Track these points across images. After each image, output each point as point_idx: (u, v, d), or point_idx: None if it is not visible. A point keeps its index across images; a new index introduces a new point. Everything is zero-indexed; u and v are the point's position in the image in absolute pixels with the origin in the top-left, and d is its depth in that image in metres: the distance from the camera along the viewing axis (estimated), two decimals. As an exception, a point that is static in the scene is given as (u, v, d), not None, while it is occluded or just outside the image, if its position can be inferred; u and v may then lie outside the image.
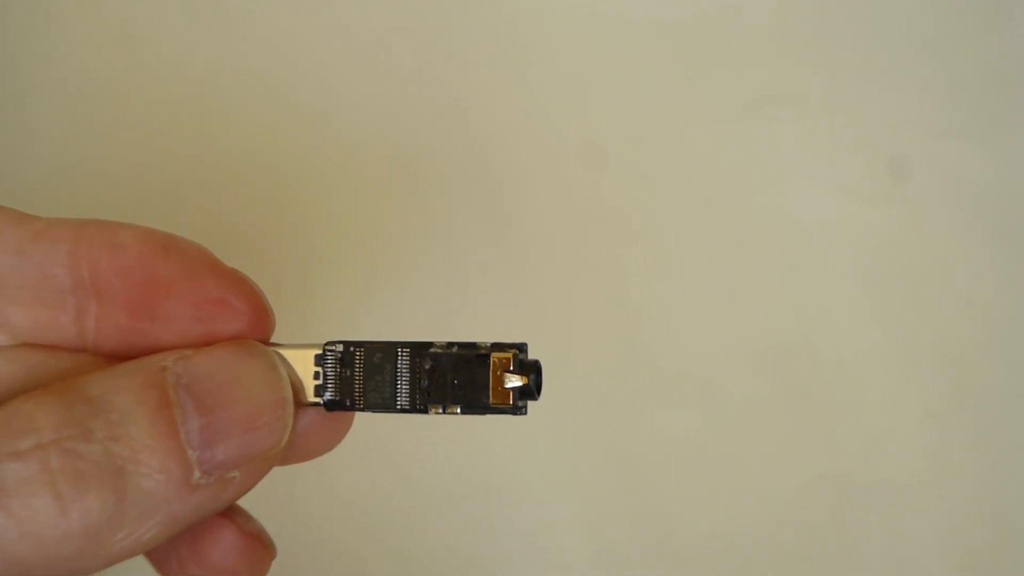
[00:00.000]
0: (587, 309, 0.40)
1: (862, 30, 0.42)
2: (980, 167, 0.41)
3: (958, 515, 0.38)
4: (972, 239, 0.40)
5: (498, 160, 0.41)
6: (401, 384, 0.20)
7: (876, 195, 0.41)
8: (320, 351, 0.20)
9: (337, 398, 0.20)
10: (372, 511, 0.39)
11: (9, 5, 0.42)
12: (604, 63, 0.42)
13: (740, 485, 0.39)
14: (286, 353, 0.20)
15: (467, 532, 0.39)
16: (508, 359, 0.20)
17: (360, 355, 0.20)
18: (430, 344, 0.20)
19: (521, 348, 0.20)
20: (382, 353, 0.20)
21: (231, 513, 0.21)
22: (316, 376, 0.20)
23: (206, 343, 0.20)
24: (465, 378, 0.20)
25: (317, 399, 0.20)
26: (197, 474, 0.18)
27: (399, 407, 0.20)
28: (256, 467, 0.19)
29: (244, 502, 0.20)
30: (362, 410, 0.20)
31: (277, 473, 0.20)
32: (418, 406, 0.20)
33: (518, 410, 0.20)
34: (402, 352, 0.20)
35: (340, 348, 0.20)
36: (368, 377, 0.20)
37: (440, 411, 0.20)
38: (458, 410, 0.20)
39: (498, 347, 0.20)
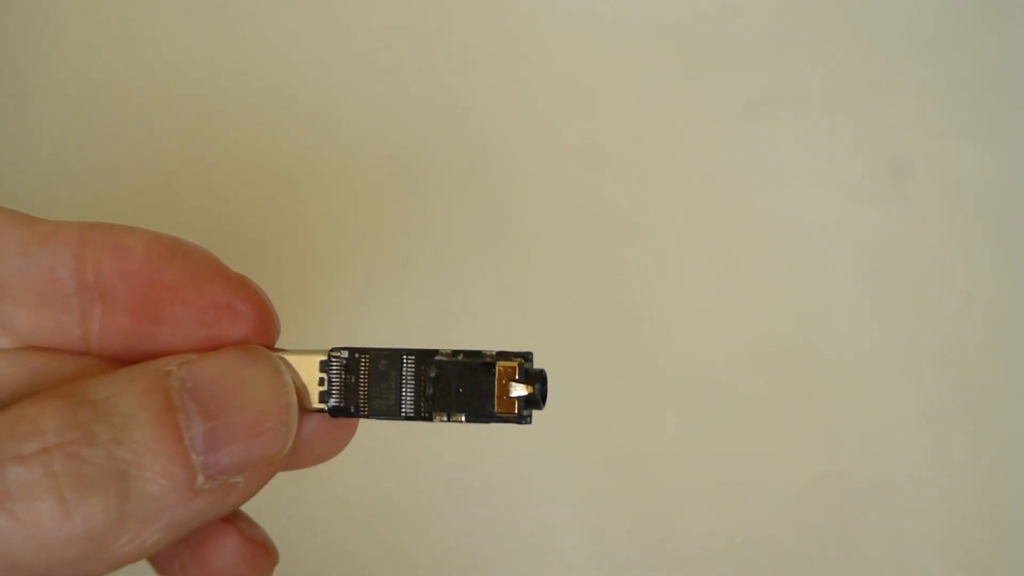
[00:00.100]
0: (586, 309, 0.40)
1: (862, 30, 0.42)
2: (980, 167, 0.41)
3: (958, 515, 0.38)
4: (972, 239, 0.40)
5: (498, 160, 0.41)
6: (406, 391, 0.20)
7: (876, 195, 0.41)
8: (325, 357, 0.20)
9: (342, 404, 0.20)
10: (373, 512, 0.39)
11: (9, 5, 0.42)
12: (604, 63, 0.42)
13: (740, 485, 0.39)
14: (291, 358, 0.20)
15: (468, 533, 0.39)
16: (513, 368, 0.19)
17: (365, 362, 0.20)
18: (435, 352, 0.20)
19: (527, 357, 0.20)
20: (387, 360, 0.20)
21: (234, 519, 0.21)
22: (321, 382, 0.20)
23: (211, 348, 0.20)
24: (470, 386, 0.20)
25: (321, 405, 0.20)
26: (201, 479, 0.18)
27: (404, 414, 0.20)
28: (260, 472, 0.19)
29: (247, 505, 0.20)
30: (366, 417, 0.20)
31: (280, 476, 0.20)
32: (423, 414, 0.20)
33: (523, 419, 0.20)
34: (407, 359, 0.20)
35: (345, 354, 0.20)
36: (373, 384, 0.20)
37: (445, 419, 0.20)
38: (463, 418, 0.20)
39: (504, 355, 0.20)
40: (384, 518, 0.39)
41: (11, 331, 0.20)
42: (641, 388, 0.40)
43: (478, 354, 0.20)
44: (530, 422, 0.20)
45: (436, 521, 0.39)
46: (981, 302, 0.40)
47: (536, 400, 0.20)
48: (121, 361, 0.20)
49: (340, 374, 0.20)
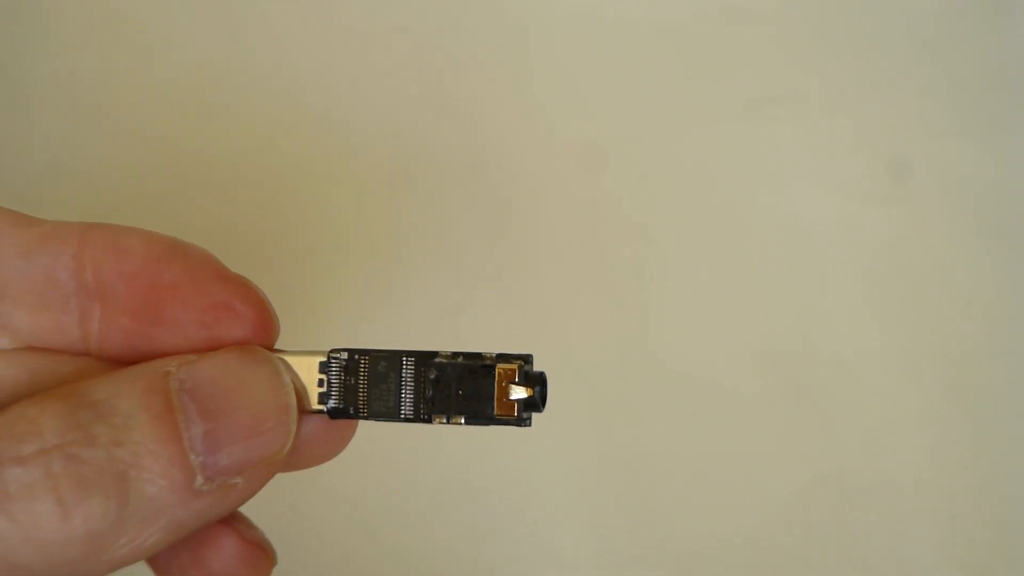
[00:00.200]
0: (586, 309, 0.40)
1: (862, 30, 0.42)
2: (980, 167, 0.41)
3: (958, 515, 0.38)
4: (972, 239, 0.40)
5: (498, 160, 0.41)
6: (405, 393, 0.20)
7: (876, 195, 0.41)
8: (324, 358, 0.20)
9: (341, 406, 0.20)
10: (373, 512, 0.39)
11: (10, 5, 0.42)
12: (604, 63, 0.42)
13: (740, 485, 0.39)
14: (290, 360, 0.20)
15: (468, 533, 0.39)
16: (513, 370, 0.19)
17: (365, 363, 0.20)
18: (435, 353, 0.20)
19: (527, 359, 0.20)
20: (387, 362, 0.20)
21: (232, 520, 0.21)
22: (320, 383, 0.20)
23: (210, 348, 0.20)
24: (470, 388, 0.20)
25: (321, 406, 0.20)
26: (200, 480, 0.18)
27: (403, 416, 0.20)
28: (259, 473, 0.19)
29: (246, 506, 0.20)
30: (366, 418, 0.20)
31: (280, 477, 0.20)
32: (422, 416, 0.20)
33: (522, 422, 0.19)
34: (407, 361, 0.20)
35: (345, 356, 0.20)
36: (372, 385, 0.20)
37: (444, 421, 0.20)
38: (462, 420, 0.20)
39: (504, 357, 0.20)
40: (384, 518, 0.39)
41: (11, 331, 0.20)
42: (641, 388, 0.40)
43: (478, 356, 0.20)
44: (529, 425, 0.20)
45: (436, 521, 0.39)
46: (981, 302, 0.40)
47: (536, 403, 0.19)
48: (121, 362, 0.20)
49: (339, 375, 0.20)
